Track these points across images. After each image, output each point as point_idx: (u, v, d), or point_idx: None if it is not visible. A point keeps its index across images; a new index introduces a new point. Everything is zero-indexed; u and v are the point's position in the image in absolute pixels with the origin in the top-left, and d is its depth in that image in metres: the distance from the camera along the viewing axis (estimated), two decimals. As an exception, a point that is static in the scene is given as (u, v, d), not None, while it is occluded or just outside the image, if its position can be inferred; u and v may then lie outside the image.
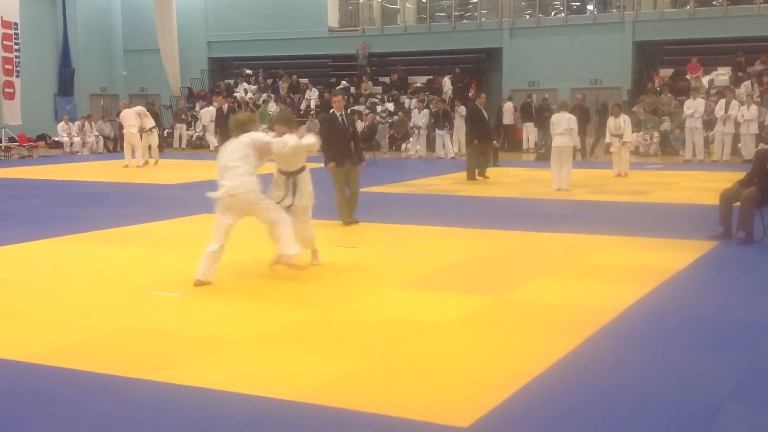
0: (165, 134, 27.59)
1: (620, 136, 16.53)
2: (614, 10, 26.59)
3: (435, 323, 6.05)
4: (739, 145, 20.47)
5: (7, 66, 24.69)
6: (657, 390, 4.62)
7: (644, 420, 4.21)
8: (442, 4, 29.35)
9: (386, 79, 28.20)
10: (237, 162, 7.13)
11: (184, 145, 27.57)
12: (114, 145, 26.84)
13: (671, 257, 8.31)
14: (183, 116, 27.97)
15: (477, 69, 27.62)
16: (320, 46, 29.44)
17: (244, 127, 7.34)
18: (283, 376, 4.91)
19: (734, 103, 20.15)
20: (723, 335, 5.75)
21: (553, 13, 27.70)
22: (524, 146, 24.87)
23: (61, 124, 26.61)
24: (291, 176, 7.68)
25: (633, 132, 18.49)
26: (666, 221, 10.90)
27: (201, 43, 31.09)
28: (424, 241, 9.51)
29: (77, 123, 26.90)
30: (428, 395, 4.57)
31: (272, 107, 26.82)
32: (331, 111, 10.99)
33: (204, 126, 27.15)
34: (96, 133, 27.08)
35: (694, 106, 20.50)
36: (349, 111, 11.03)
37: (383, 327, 5.97)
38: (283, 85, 29.12)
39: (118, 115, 21.80)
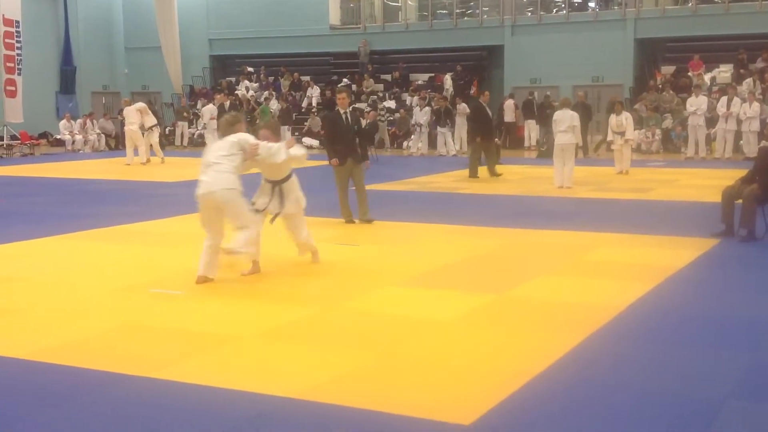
0: (167, 132, 27.59)
1: (622, 134, 16.52)
2: (616, 8, 26.55)
3: (436, 321, 6.05)
4: (741, 142, 20.44)
5: (8, 64, 24.70)
6: (658, 387, 4.62)
7: (645, 418, 4.21)
8: (443, 2, 29.32)
9: (388, 77, 28.19)
10: (220, 159, 7.11)
11: (185, 142, 27.57)
12: (116, 143, 26.85)
13: (673, 255, 8.30)
14: (185, 114, 27.97)
15: (478, 66, 27.60)
16: (322, 44, 29.43)
17: (231, 127, 7.31)
18: (284, 374, 4.91)
19: (736, 100, 20.12)
20: (725, 333, 5.74)
21: (554, 10, 27.66)
22: (526, 144, 24.85)
23: (63, 122, 26.62)
24: (277, 185, 7.61)
25: (635, 129, 18.45)
26: (668, 219, 10.89)
27: (202, 41, 31.09)
28: (425, 239, 9.51)
29: (79, 121, 26.91)
30: (430, 393, 4.57)
31: (274, 105, 26.82)
32: (335, 108, 10.97)
33: (205, 124, 27.14)
34: (98, 130, 27.09)
35: (696, 103, 20.47)
36: (351, 108, 10.92)
37: (384, 325, 5.97)
38: (284, 83, 29.11)
39: (120, 113, 21.83)
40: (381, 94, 27.39)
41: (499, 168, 16.63)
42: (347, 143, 10.44)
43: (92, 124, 26.97)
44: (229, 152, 7.15)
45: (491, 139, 16.92)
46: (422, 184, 15.64)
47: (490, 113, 17.43)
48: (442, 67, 27.38)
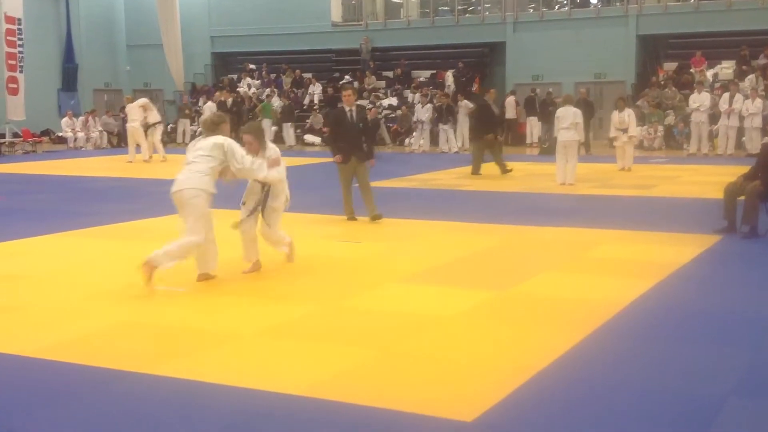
0: (169, 129, 27.60)
1: (625, 131, 16.50)
2: (618, 4, 26.53)
3: (439, 317, 6.05)
4: (744, 138, 20.42)
5: (10, 61, 24.71)
6: (660, 385, 4.62)
7: (647, 414, 4.21)
8: (445, -2, 29.33)
9: (389, 74, 28.18)
10: (197, 158, 6.99)
11: (188, 140, 27.51)
12: (118, 141, 26.86)
13: (675, 251, 8.30)
14: (186, 111, 27.98)
15: (480, 63, 27.59)
16: (323, 41, 29.42)
17: (216, 127, 7.15)
18: (286, 371, 4.92)
19: (738, 96, 20.10)
20: (727, 330, 5.74)
21: (556, 6, 27.64)
22: (528, 141, 24.83)
23: (65, 119, 26.64)
24: (266, 185, 7.45)
25: (637, 126, 18.43)
26: (670, 215, 10.88)
27: (204, 38, 31.09)
28: (427, 236, 9.51)
29: (81, 118, 26.93)
30: (432, 389, 4.57)
31: (276, 102, 26.82)
32: (339, 105, 10.92)
33: (205, 121, 27.14)
34: (100, 128, 27.10)
35: (699, 100, 20.46)
36: (355, 105, 10.83)
37: (386, 321, 5.97)
38: (286, 80, 29.12)
39: (121, 110, 21.83)
40: (384, 92, 27.37)
41: (501, 164, 16.55)
42: (351, 141, 10.34)
43: (94, 121, 26.98)
44: (209, 153, 6.96)
45: (495, 137, 16.82)
46: (424, 181, 15.64)
47: (495, 111, 17.38)
48: (444, 64, 27.36)
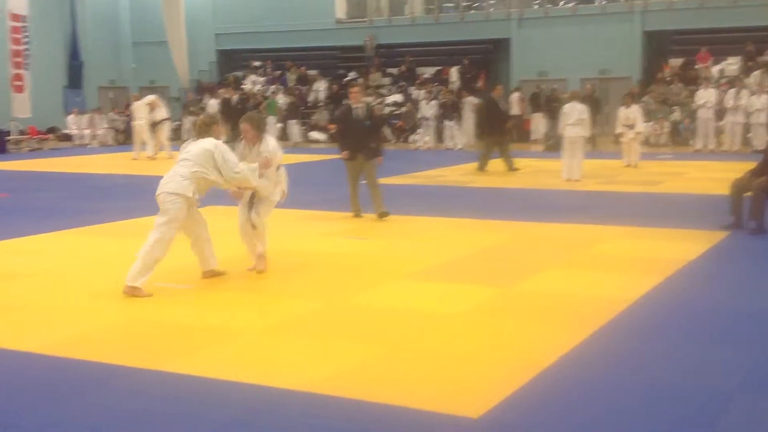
0: (174, 126, 27.60)
1: (631, 127, 16.46)
2: (623, 0, 26.45)
3: (444, 314, 6.04)
4: (750, 134, 20.36)
5: (16, 59, 24.74)
6: (667, 382, 4.61)
7: (654, 411, 4.20)
8: (449, -5, 29.26)
9: (394, 71, 28.14)
10: (183, 162, 6.82)
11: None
12: (124, 138, 26.88)
13: (682, 248, 8.27)
14: (192, 108, 27.98)
15: (485, 60, 27.53)
16: (328, 38, 29.38)
17: (208, 128, 6.99)
18: (291, 367, 4.92)
19: (744, 92, 20.02)
20: (734, 326, 5.72)
21: (561, 2, 27.56)
22: (533, 137, 24.78)
23: (71, 116, 26.66)
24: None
25: (643, 122, 18.37)
26: (676, 212, 10.85)
27: (209, 35, 31.09)
28: (433, 233, 9.50)
29: (87, 116, 26.96)
30: (437, 386, 4.57)
31: (281, 99, 26.82)
32: (346, 102, 10.88)
33: (211, 118, 27.15)
34: (105, 125, 27.13)
35: (705, 96, 20.39)
36: (362, 103, 10.77)
37: (392, 318, 5.97)
38: (291, 77, 29.10)
39: (126, 107, 21.86)
40: (389, 88, 27.34)
41: (508, 161, 16.49)
42: (358, 138, 10.29)
43: (100, 119, 27.01)
44: (194, 159, 6.75)
45: (503, 134, 16.75)
46: (429, 177, 15.62)
47: (502, 108, 17.32)
48: (449, 60, 27.31)
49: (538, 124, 24.52)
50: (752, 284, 6.97)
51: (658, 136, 22.08)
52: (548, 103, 23.33)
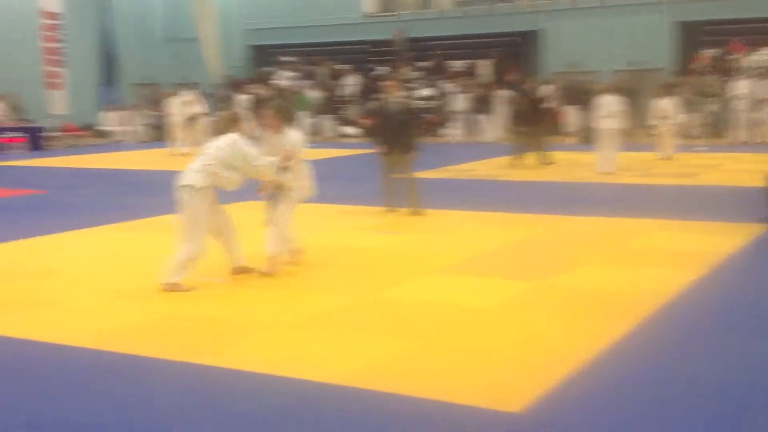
0: (211, 122, 27.81)
1: (665, 118, 16.28)
2: (653, -9, 26.13)
3: (478, 308, 6.04)
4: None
5: (51, 56, 25.02)
6: (707, 376, 4.58)
7: (696, 405, 4.18)
8: (478, -13, 29.11)
9: (423, 64, 28.09)
10: (203, 156, 6.85)
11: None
12: (159, 134, 27.14)
13: (719, 241, 8.18)
14: (223, 104, 28.17)
15: (515, 52, 27.37)
16: (357, 32, 29.42)
17: (229, 125, 7.03)
18: (325, 361, 4.95)
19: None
20: (775, 320, 5.66)
21: (591, -6, 27.27)
22: (566, 129, 24.59)
23: (106, 113, 26.96)
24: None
25: (677, 114, 18.16)
26: (714, 204, 10.73)
27: (240, 31, 31.27)
28: (466, 227, 9.48)
29: (122, 112, 27.25)
30: (474, 380, 4.57)
31: (312, 94, 26.90)
32: (382, 96, 10.86)
33: (241, 114, 27.33)
34: (141, 121, 27.41)
35: (740, 87, 20.10)
36: (397, 97, 10.69)
37: (425, 312, 5.98)
38: (321, 72, 29.18)
39: (158, 103, 22.09)
40: (419, 82, 27.29)
41: (543, 154, 16.38)
42: (393, 132, 10.22)
43: (135, 115, 27.29)
44: (213, 152, 6.73)
45: (536, 127, 16.63)
46: (461, 171, 15.59)
47: (535, 100, 17.21)
48: (478, 53, 27.21)
49: (571, 116, 24.35)
50: (793, 278, 6.88)
51: (692, 128, 21.81)
52: (581, 95, 23.14)
